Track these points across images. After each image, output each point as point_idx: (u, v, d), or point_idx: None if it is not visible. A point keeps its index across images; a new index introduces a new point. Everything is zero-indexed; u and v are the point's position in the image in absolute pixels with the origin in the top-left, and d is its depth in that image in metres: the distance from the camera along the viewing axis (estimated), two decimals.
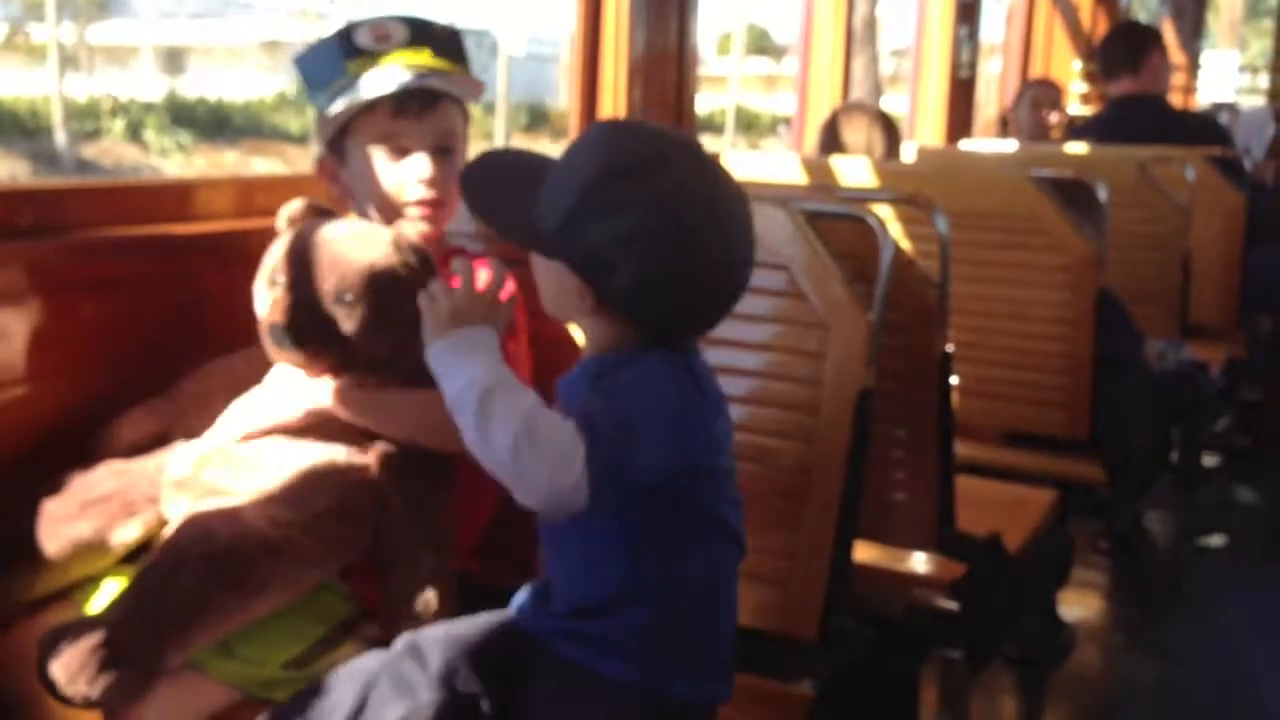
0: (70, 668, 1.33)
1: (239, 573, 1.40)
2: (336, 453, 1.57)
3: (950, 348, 1.94)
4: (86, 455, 1.61)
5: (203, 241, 1.81)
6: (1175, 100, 5.65)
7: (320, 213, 1.67)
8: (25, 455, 1.65)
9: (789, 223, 1.67)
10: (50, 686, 1.35)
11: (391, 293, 1.56)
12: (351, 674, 1.34)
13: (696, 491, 1.30)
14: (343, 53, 1.70)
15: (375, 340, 1.57)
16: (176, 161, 22.82)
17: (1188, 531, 3.98)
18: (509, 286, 1.47)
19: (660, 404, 1.23)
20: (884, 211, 2.11)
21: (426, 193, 1.72)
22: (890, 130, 2.98)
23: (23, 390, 1.65)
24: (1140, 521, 3.79)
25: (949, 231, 1.97)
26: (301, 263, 1.57)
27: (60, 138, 21.93)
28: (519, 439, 1.16)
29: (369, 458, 1.56)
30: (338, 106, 1.69)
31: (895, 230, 2.04)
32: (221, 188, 1.98)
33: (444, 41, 1.75)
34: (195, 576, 1.38)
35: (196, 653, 1.42)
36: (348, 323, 1.55)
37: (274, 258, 1.60)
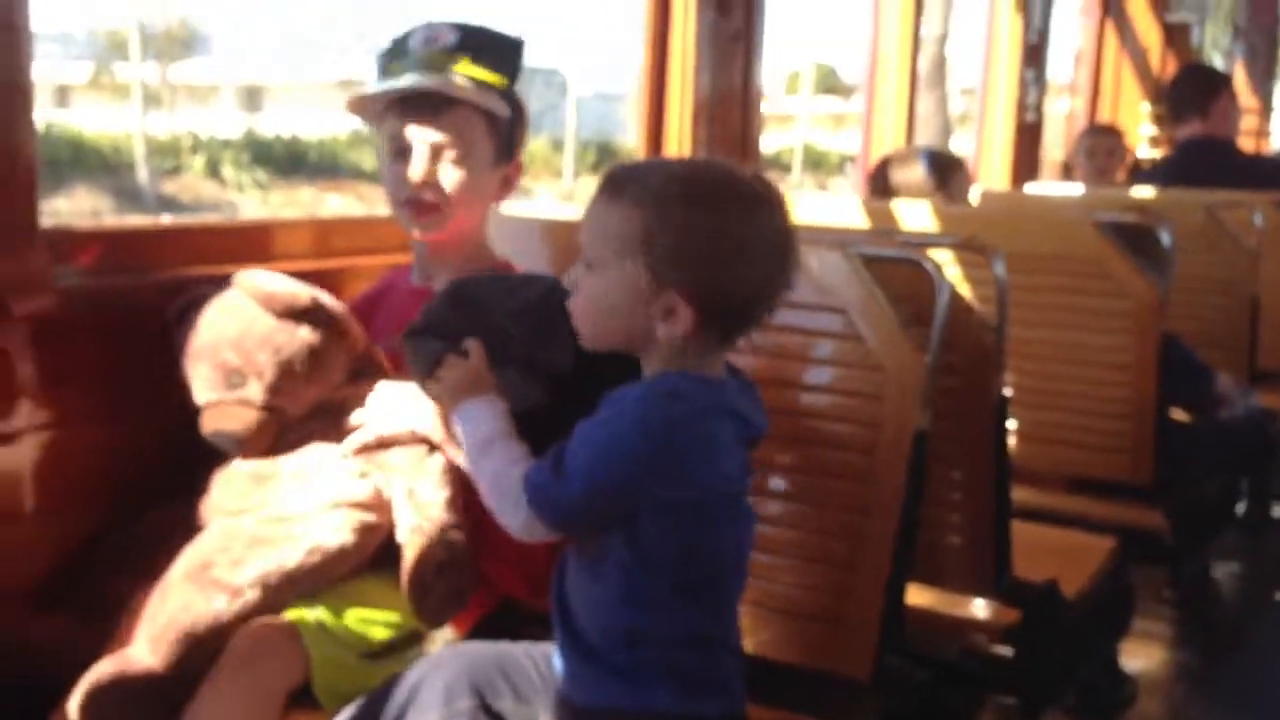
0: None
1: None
2: (344, 484, 1.62)
3: (1008, 391, 1.94)
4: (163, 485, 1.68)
5: None
6: (1247, 144, 5.58)
7: (200, 298, 1.71)
8: (107, 482, 1.73)
9: (846, 266, 1.70)
10: None
11: (276, 351, 1.63)
12: (398, 683, 1.44)
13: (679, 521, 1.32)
14: (393, 54, 1.79)
15: (288, 398, 1.64)
16: (254, 197, 23.29)
17: (1255, 583, 3.91)
18: None
19: (621, 445, 1.28)
20: (944, 255, 2.12)
21: (416, 193, 1.77)
22: (945, 172, 2.98)
23: (104, 422, 1.73)
24: (1207, 572, 3.72)
25: (1009, 275, 1.98)
26: (196, 366, 1.66)
27: (142, 174, 22.49)
28: (500, 494, 1.34)
29: (373, 496, 1.62)
30: (354, 98, 1.80)
31: (956, 273, 2.06)
32: (299, 229, 2.05)
33: (489, 51, 1.80)
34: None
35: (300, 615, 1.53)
36: (258, 396, 1.63)
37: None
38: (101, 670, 1.46)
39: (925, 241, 1.94)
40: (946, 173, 3.02)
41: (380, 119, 1.82)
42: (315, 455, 1.64)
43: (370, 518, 1.59)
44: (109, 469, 1.74)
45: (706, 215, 1.30)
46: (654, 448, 1.28)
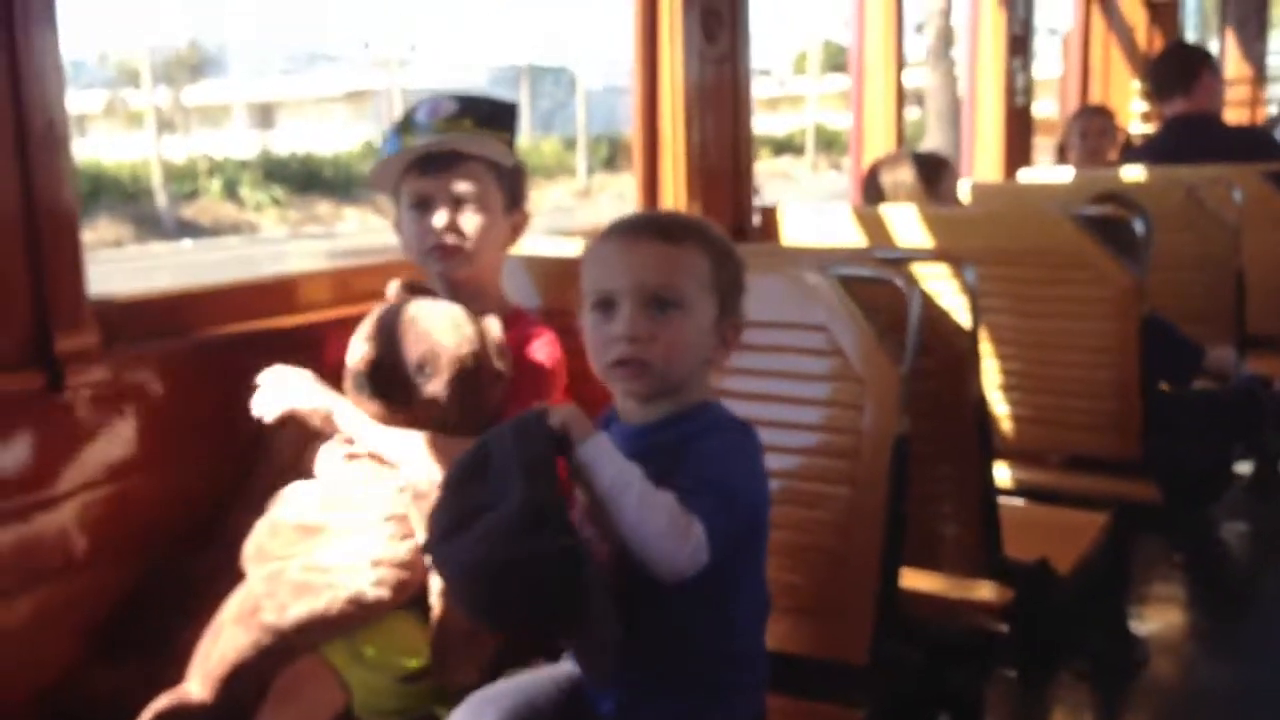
0: None
1: None
2: (386, 544, 1.77)
3: (999, 377, 2.03)
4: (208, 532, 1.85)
5: (307, 331, 2.04)
6: (1241, 114, 5.66)
7: (421, 290, 1.96)
8: (161, 530, 1.89)
9: (825, 286, 1.85)
10: None
11: (465, 377, 1.83)
12: None
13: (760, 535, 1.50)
14: (405, 129, 1.99)
15: (443, 409, 1.83)
16: (272, 216, 23.55)
17: (1262, 542, 4.03)
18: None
19: (750, 470, 1.46)
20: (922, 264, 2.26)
21: (442, 239, 1.96)
22: (933, 173, 3.11)
23: (157, 475, 1.89)
24: (1213, 535, 3.85)
25: (993, 270, 2.13)
26: (396, 329, 1.85)
27: (160, 200, 22.75)
28: (671, 523, 1.32)
29: (410, 555, 1.76)
30: (376, 168, 2.00)
31: (938, 274, 2.19)
32: (321, 280, 2.22)
33: (488, 113, 2.01)
34: None
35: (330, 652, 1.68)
36: (423, 390, 1.82)
37: (374, 318, 1.89)
38: (159, 705, 1.64)
39: (900, 256, 2.08)
40: (934, 173, 3.17)
41: (399, 183, 2.00)
42: (361, 516, 1.79)
43: (406, 575, 1.73)
44: (157, 520, 1.89)
45: (736, 251, 1.53)
46: (762, 470, 1.47)
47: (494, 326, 1.90)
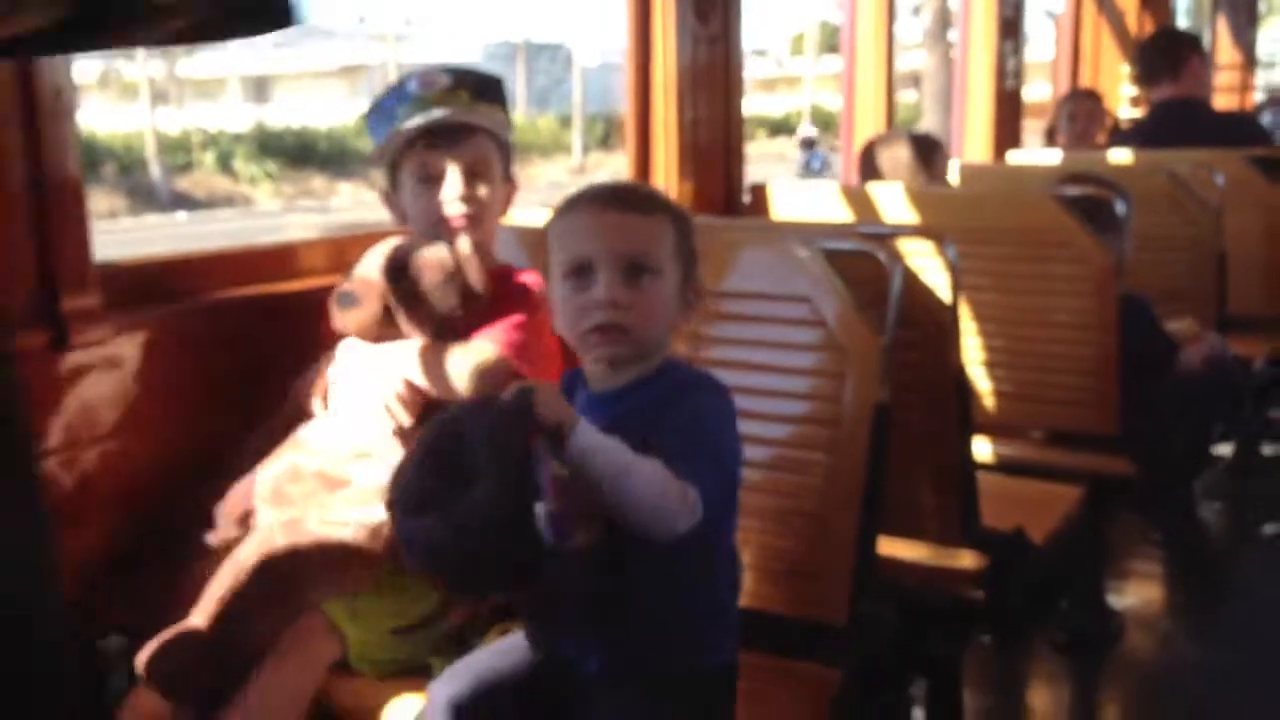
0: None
1: None
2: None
3: (981, 353, 2.10)
4: (214, 478, 1.90)
5: (304, 297, 2.09)
6: (1231, 100, 5.71)
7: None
8: (155, 486, 1.95)
9: (808, 259, 1.91)
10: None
11: (437, 277, 1.91)
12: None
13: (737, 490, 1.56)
14: (396, 102, 2.02)
15: (416, 313, 1.91)
16: (266, 190, 23.54)
17: (1243, 520, 4.10)
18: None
19: (729, 429, 1.50)
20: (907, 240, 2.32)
21: (457, 208, 2.00)
22: (927, 152, 3.18)
23: (153, 432, 1.95)
24: (1191, 512, 3.92)
25: (978, 249, 2.17)
26: (372, 258, 1.95)
27: (155, 172, 22.74)
28: (665, 492, 1.36)
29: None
30: (381, 141, 2.02)
31: (922, 252, 2.26)
32: (318, 247, 2.27)
33: (482, 86, 2.05)
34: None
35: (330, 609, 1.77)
36: (395, 294, 1.90)
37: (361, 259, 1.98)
38: (165, 636, 1.70)
39: (884, 232, 2.14)
40: (929, 153, 3.25)
41: (398, 156, 2.03)
42: (385, 472, 1.84)
43: None
44: (155, 473, 1.95)
45: (692, 221, 1.58)
46: (736, 426, 1.51)
47: (464, 244, 1.96)
